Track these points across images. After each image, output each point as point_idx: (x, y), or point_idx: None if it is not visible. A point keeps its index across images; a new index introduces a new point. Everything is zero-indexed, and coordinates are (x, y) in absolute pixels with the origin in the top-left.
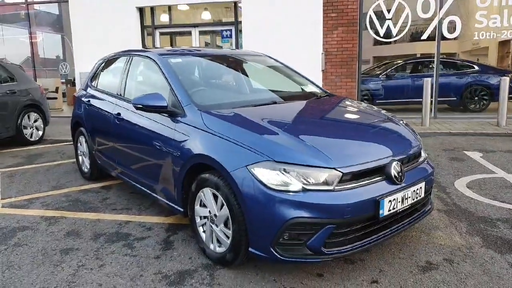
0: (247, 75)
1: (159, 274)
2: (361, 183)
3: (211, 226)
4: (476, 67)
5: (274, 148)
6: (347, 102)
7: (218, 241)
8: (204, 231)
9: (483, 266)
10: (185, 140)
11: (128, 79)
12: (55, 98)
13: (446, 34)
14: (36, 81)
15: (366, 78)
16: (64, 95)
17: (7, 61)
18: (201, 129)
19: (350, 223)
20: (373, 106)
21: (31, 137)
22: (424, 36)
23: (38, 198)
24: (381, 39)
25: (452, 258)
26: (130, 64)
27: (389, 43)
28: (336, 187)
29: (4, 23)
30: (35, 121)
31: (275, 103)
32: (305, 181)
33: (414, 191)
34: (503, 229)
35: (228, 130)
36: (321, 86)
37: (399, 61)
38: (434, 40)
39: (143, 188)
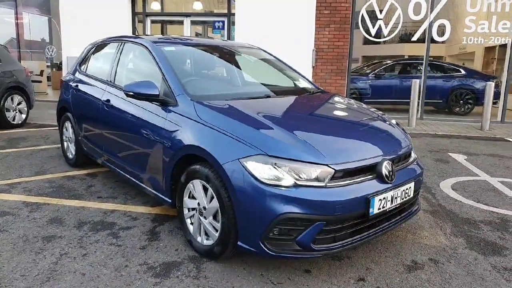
0: (240, 68)
1: (144, 265)
2: (352, 180)
3: (200, 218)
4: (463, 71)
5: (268, 142)
6: (340, 99)
7: (206, 233)
8: (192, 223)
9: (467, 267)
10: (176, 130)
11: (119, 65)
12: (40, 82)
13: (435, 37)
14: (20, 63)
15: (355, 76)
16: (49, 78)
17: None
18: (194, 120)
19: (340, 220)
20: (364, 105)
21: (13, 120)
22: (415, 38)
23: (20, 183)
24: (372, 39)
25: (437, 258)
26: (122, 50)
27: (379, 43)
28: (328, 184)
29: None
30: (19, 103)
31: (268, 97)
32: (297, 177)
33: (403, 190)
34: (486, 231)
35: (221, 122)
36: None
37: (388, 61)
38: (424, 42)
39: (129, 177)
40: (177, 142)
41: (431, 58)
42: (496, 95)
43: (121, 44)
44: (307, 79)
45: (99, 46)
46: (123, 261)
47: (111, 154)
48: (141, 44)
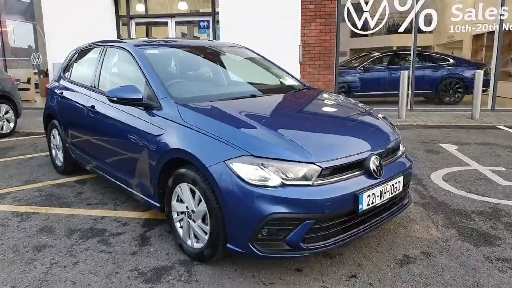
0: (225, 67)
1: (135, 270)
2: (340, 177)
3: (189, 222)
4: (451, 60)
5: (253, 143)
6: (326, 96)
7: (195, 236)
8: (181, 227)
9: (459, 259)
10: (161, 134)
11: (102, 70)
12: (28, 89)
13: (422, 27)
14: (6, 71)
15: (344, 70)
16: (36, 86)
17: None
18: (178, 123)
19: (329, 218)
20: (352, 99)
21: (1, 129)
22: (401, 29)
23: (9, 193)
24: (358, 31)
25: (429, 251)
26: (105, 55)
27: (366, 35)
28: (315, 182)
29: None
30: (6, 112)
31: (253, 96)
32: (284, 176)
33: (392, 185)
34: (478, 221)
35: (205, 124)
36: (299, 78)
37: (376, 54)
38: (411, 33)
39: (118, 182)
40: (163, 146)
41: (419, 49)
42: (486, 83)
43: (103, 49)
44: (293, 77)
45: (82, 52)
46: (113, 268)
47: (99, 160)
48: (123, 48)
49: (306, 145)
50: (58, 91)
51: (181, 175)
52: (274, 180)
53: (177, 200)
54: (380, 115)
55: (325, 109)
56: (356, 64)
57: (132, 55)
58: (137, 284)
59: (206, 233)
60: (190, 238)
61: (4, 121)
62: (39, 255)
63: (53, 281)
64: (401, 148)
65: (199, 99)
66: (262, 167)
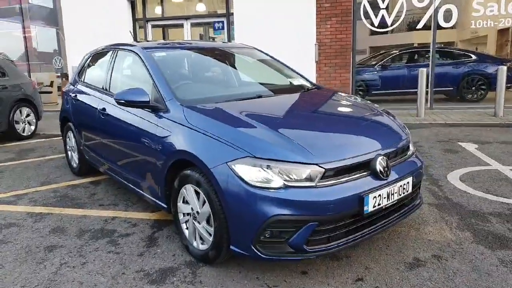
0: (234, 68)
1: (141, 272)
2: (344, 179)
3: (194, 223)
4: (474, 56)
5: (255, 144)
6: (335, 95)
7: (201, 238)
8: (187, 228)
9: (472, 262)
10: (167, 136)
11: (113, 73)
12: (50, 92)
13: (442, 23)
14: (30, 75)
15: (361, 68)
16: (59, 88)
17: (6, 56)
18: (183, 125)
19: (333, 220)
20: (362, 99)
21: (23, 132)
22: (420, 26)
23: (26, 194)
24: (375, 29)
25: (440, 254)
26: (115, 58)
27: (386, 32)
28: (318, 184)
29: None
30: (27, 115)
31: (260, 97)
32: (286, 178)
33: (401, 186)
34: (495, 223)
35: (209, 125)
36: (314, 77)
37: (394, 51)
38: (431, 29)
39: (128, 184)
40: (169, 148)
41: (442, 45)
42: (510, 79)
43: (114, 52)
44: (303, 77)
45: (95, 55)
46: (120, 269)
47: (111, 162)
48: (132, 51)
49: (309, 146)
50: (72, 94)
51: (186, 176)
52: (277, 181)
53: (183, 202)
54: (390, 115)
55: (333, 109)
56: (374, 62)
57: (140, 58)
58: (142, 285)
59: (210, 235)
60: (195, 240)
61: (25, 124)
62: (50, 255)
63: (61, 281)
64: (411, 148)
65: (205, 100)
66: (264, 168)
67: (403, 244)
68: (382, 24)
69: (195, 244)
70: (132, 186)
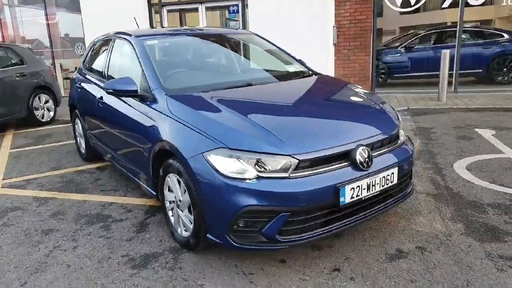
0: (228, 56)
1: (126, 256)
2: (320, 170)
3: (178, 211)
4: (506, 36)
5: (229, 135)
6: (327, 82)
7: (184, 225)
8: (172, 215)
9: (456, 255)
10: (152, 125)
11: (110, 61)
12: None
13: (471, 0)
14: (54, 62)
15: (384, 50)
16: None
17: (30, 47)
18: (165, 114)
19: (306, 211)
20: (358, 86)
21: (42, 118)
22: (445, 4)
23: (36, 179)
24: (397, 9)
25: (425, 246)
26: (113, 46)
27: (417, 11)
28: (291, 174)
29: (21, 4)
30: (46, 102)
31: (250, 85)
32: (260, 169)
33: (383, 177)
34: (491, 215)
35: (187, 115)
36: (333, 61)
37: (421, 32)
38: (465, 7)
39: (125, 171)
40: (153, 137)
41: (477, 23)
42: None
43: (112, 41)
44: (300, 62)
45: (97, 44)
46: (107, 253)
47: (110, 150)
48: (126, 39)
49: (284, 137)
50: (77, 82)
51: (169, 165)
52: (250, 172)
53: (168, 190)
54: (382, 102)
55: (321, 97)
56: (398, 44)
57: (132, 46)
58: (124, 270)
59: (191, 223)
60: (180, 227)
61: (44, 110)
62: (45, 238)
63: (51, 263)
64: (401, 137)
65: (190, 89)
66: (238, 159)
67: (389, 234)
68: (406, 3)
69: (179, 231)
70: (128, 173)
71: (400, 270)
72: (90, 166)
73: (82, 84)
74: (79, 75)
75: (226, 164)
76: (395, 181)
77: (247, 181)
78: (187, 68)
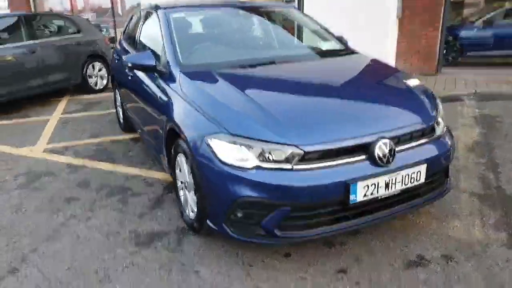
0: (257, 30)
1: (133, 233)
2: (329, 163)
3: (186, 192)
4: None
5: (233, 119)
6: (360, 62)
7: (191, 207)
8: (182, 195)
9: (488, 270)
10: (166, 103)
11: (141, 34)
12: None
13: None
14: (116, 31)
15: (457, 26)
16: None
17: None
18: (177, 92)
19: (309, 207)
20: (396, 68)
21: (95, 85)
22: None
23: (74, 146)
24: None
25: (453, 255)
26: (145, 19)
27: None
28: (295, 166)
29: None
30: (99, 70)
31: (273, 63)
32: (262, 158)
33: (407, 175)
34: None
35: (196, 95)
36: (396, 37)
37: (505, 5)
38: None
39: (149, 145)
40: (166, 115)
41: None
42: None
43: (147, 13)
44: (339, 40)
45: (133, 16)
46: (117, 228)
47: (139, 122)
48: (155, 12)
49: (292, 125)
50: (116, 53)
51: (178, 145)
52: (250, 161)
53: (179, 170)
54: (421, 89)
55: (346, 80)
56: (475, 18)
57: (159, 18)
58: (127, 247)
59: (195, 206)
60: (188, 208)
61: (97, 78)
62: (66, 206)
63: (63, 232)
64: (438, 130)
65: (206, 66)
66: (238, 146)
67: (414, 237)
68: None
69: (187, 212)
70: (151, 148)
71: (415, 279)
72: (126, 136)
73: (119, 56)
74: (118, 47)
75: (226, 151)
76: (422, 180)
77: (247, 170)
78: (212, 43)
